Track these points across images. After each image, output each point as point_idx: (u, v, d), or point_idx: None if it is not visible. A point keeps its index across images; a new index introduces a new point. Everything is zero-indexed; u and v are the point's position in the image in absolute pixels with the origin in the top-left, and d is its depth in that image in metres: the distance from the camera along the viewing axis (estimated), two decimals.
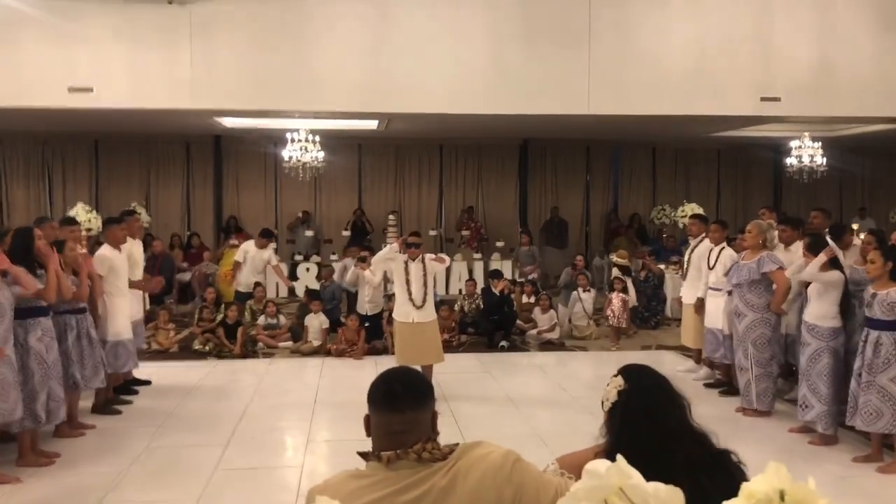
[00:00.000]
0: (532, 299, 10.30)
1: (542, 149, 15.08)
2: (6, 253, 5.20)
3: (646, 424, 2.04)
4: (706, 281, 7.43)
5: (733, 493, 1.01)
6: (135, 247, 7.42)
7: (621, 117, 10.21)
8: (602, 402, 2.21)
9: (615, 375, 2.25)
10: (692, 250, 7.89)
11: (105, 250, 6.83)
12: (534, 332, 9.71)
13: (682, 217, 12.54)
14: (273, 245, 10.71)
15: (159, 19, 9.18)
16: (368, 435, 1.97)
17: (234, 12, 9.26)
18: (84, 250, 6.66)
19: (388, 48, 9.39)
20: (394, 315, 7.07)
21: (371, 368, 7.83)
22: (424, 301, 6.88)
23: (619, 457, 1.06)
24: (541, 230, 14.53)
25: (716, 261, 7.34)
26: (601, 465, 1.06)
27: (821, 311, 5.71)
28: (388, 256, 7.11)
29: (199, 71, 9.24)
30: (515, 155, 15.08)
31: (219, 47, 9.25)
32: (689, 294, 7.86)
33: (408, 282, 6.88)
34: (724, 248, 7.40)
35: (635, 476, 1.06)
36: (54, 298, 5.35)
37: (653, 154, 15.55)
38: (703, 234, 7.81)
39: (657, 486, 1.05)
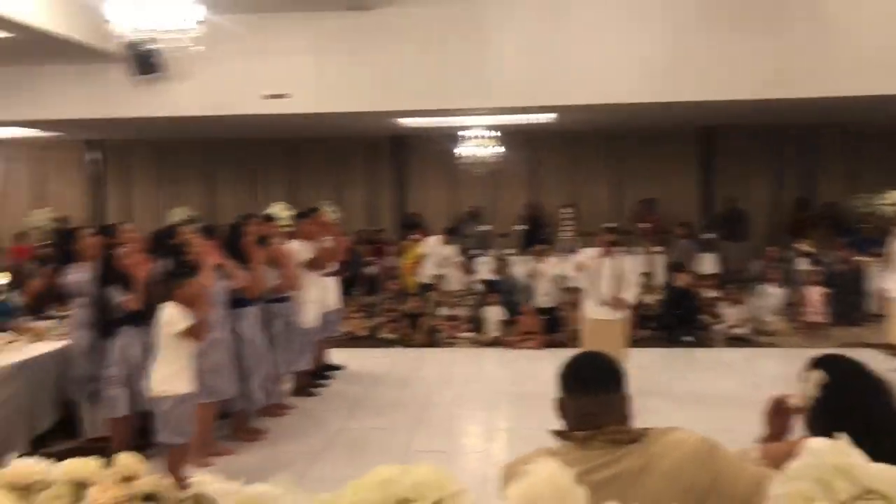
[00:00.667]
0: (716, 293, 9.89)
1: (727, 136, 14.37)
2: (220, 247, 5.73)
3: (851, 417, 1.94)
4: None
5: None
6: (327, 240, 7.88)
7: (815, 100, 9.55)
8: (798, 399, 2.12)
9: (811, 369, 2.15)
10: None
11: (296, 244, 7.33)
12: (721, 326, 9.32)
13: (886, 205, 11.54)
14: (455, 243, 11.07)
15: (342, 27, 9.72)
16: (561, 416, 2.02)
17: (411, 15, 9.61)
18: (285, 245, 7.19)
19: (562, 39, 9.36)
20: (583, 311, 7.00)
21: (550, 360, 7.77)
22: (614, 297, 6.73)
23: (842, 435, 1.03)
24: (721, 223, 13.87)
25: None
26: (821, 442, 1.04)
27: None
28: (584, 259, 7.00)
29: (381, 74, 9.68)
30: (697, 143, 14.49)
31: (397, 50, 9.65)
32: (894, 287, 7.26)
33: (598, 278, 6.75)
34: None
35: (857, 455, 1.03)
36: (257, 292, 5.81)
37: (852, 139, 14.38)
38: None
39: (885, 468, 1.01)
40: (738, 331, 9.20)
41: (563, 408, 2.00)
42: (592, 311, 6.80)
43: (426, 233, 12.58)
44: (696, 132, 14.34)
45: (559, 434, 1.95)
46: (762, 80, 9.08)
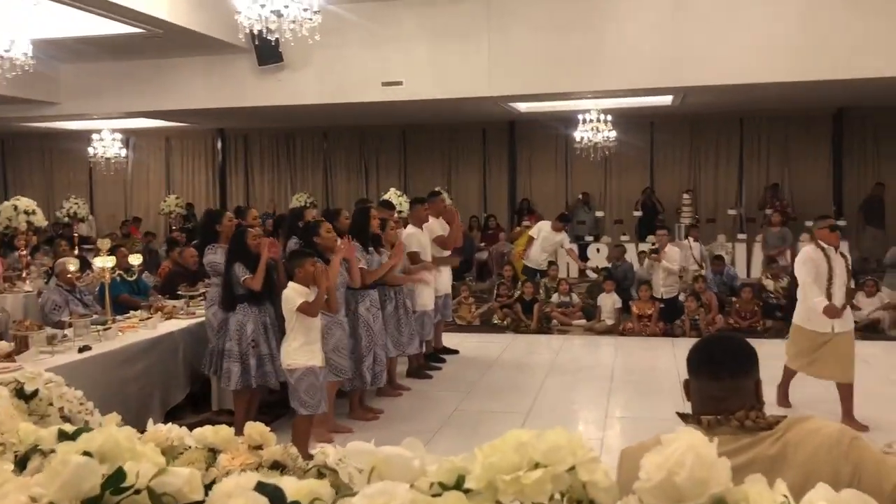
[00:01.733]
0: (851, 283, 9.34)
1: (862, 118, 13.51)
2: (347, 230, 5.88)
3: None
4: None
5: None
6: (438, 225, 7.93)
7: None
8: None
9: None
10: None
11: (410, 229, 7.41)
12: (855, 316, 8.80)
13: None
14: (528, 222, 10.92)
15: (458, 13, 9.74)
16: (688, 399, 1.96)
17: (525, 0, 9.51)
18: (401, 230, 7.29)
19: (685, 17, 9.04)
20: (799, 322, 5.80)
21: (666, 349, 7.65)
22: (845, 304, 5.71)
23: None
24: (859, 208, 13.09)
25: None
26: None
27: None
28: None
29: (496, 59, 9.65)
30: (828, 126, 13.69)
31: (513, 34, 9.58)
32: None
33: (830, 279, 5.61)
34: None
35: None
36: (357, 283, 5.83)
37: None
38: None
39: None
40: (874, 320, 8.66)
41: (691, 390, 1.94)
42: (819, 322, 5.62)
43: (538, 218, 12.49)
44: (826, 114, 13.56)
45: (685, 417, 1.88)
46: None
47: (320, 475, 1.26)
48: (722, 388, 1.86)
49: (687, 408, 1.94)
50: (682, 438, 0.85)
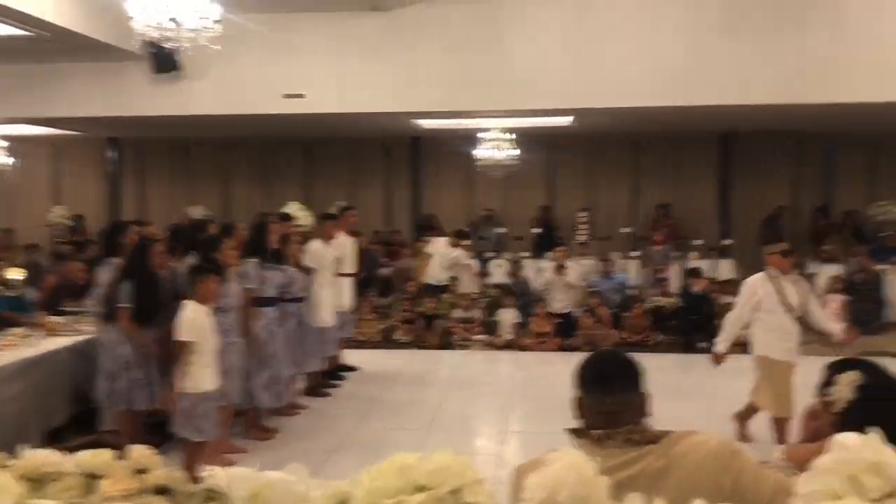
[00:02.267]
0: (733, 299, 9.81)
1: (746, 143, 14.26)
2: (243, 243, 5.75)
3: (885, 417, 1.90)
4: None
5: None
6: (348, 241, 7.87)
7: (836, 106, 9.46)
8: (829, 403, 2.08)
9: (839, 372, 2.11)
10: None
11: (315, 244, 7.33)
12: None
13: None
14: (465, 244, 10.98)
15: (364, 27, 9.73)
16: (579, 415, 1.99)
17: (431, 16, 9.61)
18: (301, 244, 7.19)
19: (583, 42, 9.34)
20: (763, 352, 5.46)
21: (563, 364, 7.75)
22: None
23: (876, 430, 1.00)
24: (762, 227, 13.79)
25: None
26: (853, 438, 1.01)
27: None
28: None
29: (401, 75, 9.69)
30: (715, 149, 14.40)
31: (419, 51, 9.64)
32: None
33: (785, 304, 5.35)
34: None
35: (890, 453, 1.00)
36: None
37: (872, 146, 14.24)
38: None
39: None
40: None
41: (581, 406, 1.97)
42: (783, 350, 5.36)
43: (441, 234, 12.56)
44: (715, 137, 14.25)
45: (575, 432, 1.92)
46: (782, 85, 9.01)
47: (208, 499, 1.22)
48: (612, 403, 1.90)
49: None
50: (562, 458, 0.87)
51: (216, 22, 6.57)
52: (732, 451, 1.80)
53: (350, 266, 7.85)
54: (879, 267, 10.42)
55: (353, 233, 8.25)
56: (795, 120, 11.82)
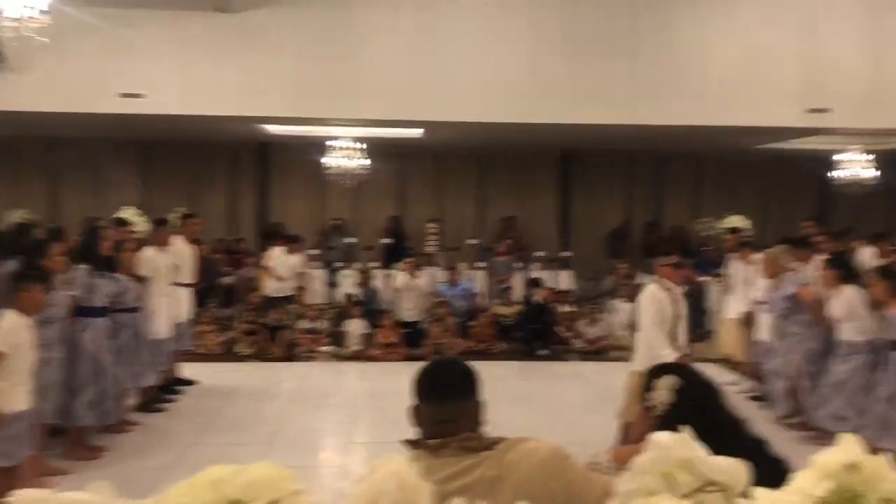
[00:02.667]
0: (575, 308, 10.25)
1: (584, 160, 15.00)
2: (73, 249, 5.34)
3: (701, 417, 2.02)
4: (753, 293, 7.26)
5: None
6: (187, 248, 7.53)
7: (665, 127, 10.12)
8: (650, 407, 2.19)
9: (660, 377, 2.23)
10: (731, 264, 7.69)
11: (149, 251, 6.96)
12: (576, 341, 9.65)
13: (725, 229, 12.34)
14: (302, 251, 10.81)
15: (209, 28, 9.39)
16: (415, 425, 1.98)
17: (280, 21, 9.42)
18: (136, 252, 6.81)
19: (430, 56, 9.47)
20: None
21: (410, 374, 7.77)
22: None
23: (686, 429, 1.04)
24: (607, 239, 14.48)
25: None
26: (666, 437, 1.05)
27: None
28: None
29: (248, 79, 9.41)
30: (556, 165, 15.03)
31: (265, 55, 9.42)
32: (734, 307, 7.72)
33: (676, 317, 5.21)
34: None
35: (700, 449, 1.05)
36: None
37: (697, 165, 15.36)
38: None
39: (722, 460, 1.03)
40: (596, 345, 9.55)
41: (418, 415, 1.96)
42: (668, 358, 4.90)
43: (287, 243, 12.29)
44: (556, 154, 14.88)
45: (411, 443, 1.90)
46: (615, 107, 9.54)
47: None
48: (447, 412, 1.90)
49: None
50: (385, 466, 0.85)
51: (43, 12, 6.12)
52: (562, 457, 1.84)
53: (189, 275, 7.51)
54: (702, 279, 11.21)
55: (195, 240, 7.91)
56: (628, 140, 12.55)
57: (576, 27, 9.53)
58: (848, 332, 5.57)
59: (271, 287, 10.03)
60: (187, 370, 7.78)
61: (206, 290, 10.23)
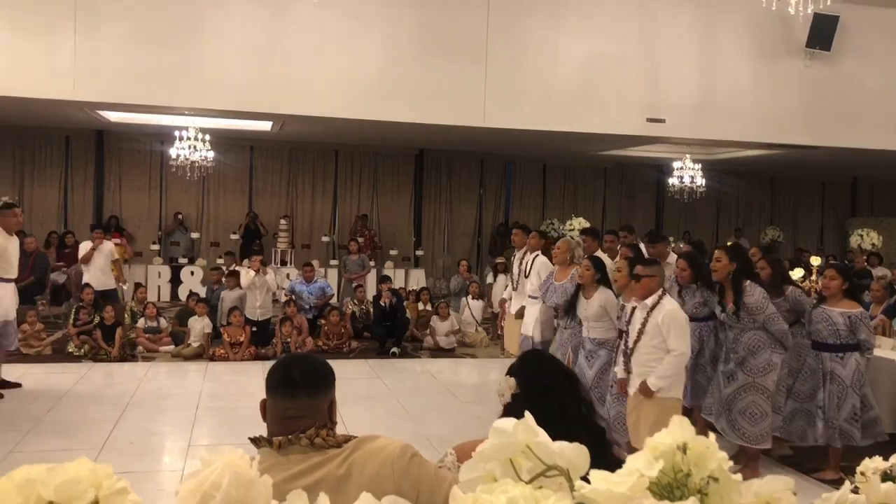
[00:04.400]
0: (429, 307, 10.33)
1: (438, 160, 15.19)
2: None
3: (542, 405, 2.07)
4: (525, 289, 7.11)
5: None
6: (10, 242, 6.91)
7: (513, 131, 10.42)
8: (501, 396, 2.23)
9: (510, 368, 2.28)
10: (519, 261, 7.38)
11: None
12: (428, 338, 9.73)
13: (570, 231, 12.87)
14: (117, 240, 10.25)
15: (41, 3, 8.72)
16: (264, 419, 1.92)
17: (122, 1, 8.89)
18: None
19: (281, 49, 9.26)
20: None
21: (257, 373, 7.62)
22: None
23: (527, 414, 1.06)
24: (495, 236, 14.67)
25: (529, 269, 7.08)
26: (508, 422, 1.06)
27: None
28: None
29: (83, 60, 8.82)
30: (411, 165, 15.13)
31: (104, 36, 8.87)
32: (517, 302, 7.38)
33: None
34: (537, 255, 7.14)
35: (542, 434, 1.06)
36: None
37: (543, 169, 15.94)
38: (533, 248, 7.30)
39: (563, 445, 1.05)
40: (448, 343, 9.66)
41: (267, 411, 1.90)
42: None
43: (127, 237, 11.65)
44: (411, 154, 14.98)
45: (257, 441, 1.84)
46: (466, 109, 9.73)
47: None
48: (297, 407, 1.85)
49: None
50: (219, 459, 0.80)
51: None
52: (410, 455, 1.83)
53: (12, 270, 6.91)
54: None
55: (19, 233, 7.29)
56: (479, 142, 12.84)
57: (429, 29, 9.63)
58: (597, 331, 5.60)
59: (94, 279, 9.37)
60: (11, 372, 7.18)
61: (34, 286, 9.50)
